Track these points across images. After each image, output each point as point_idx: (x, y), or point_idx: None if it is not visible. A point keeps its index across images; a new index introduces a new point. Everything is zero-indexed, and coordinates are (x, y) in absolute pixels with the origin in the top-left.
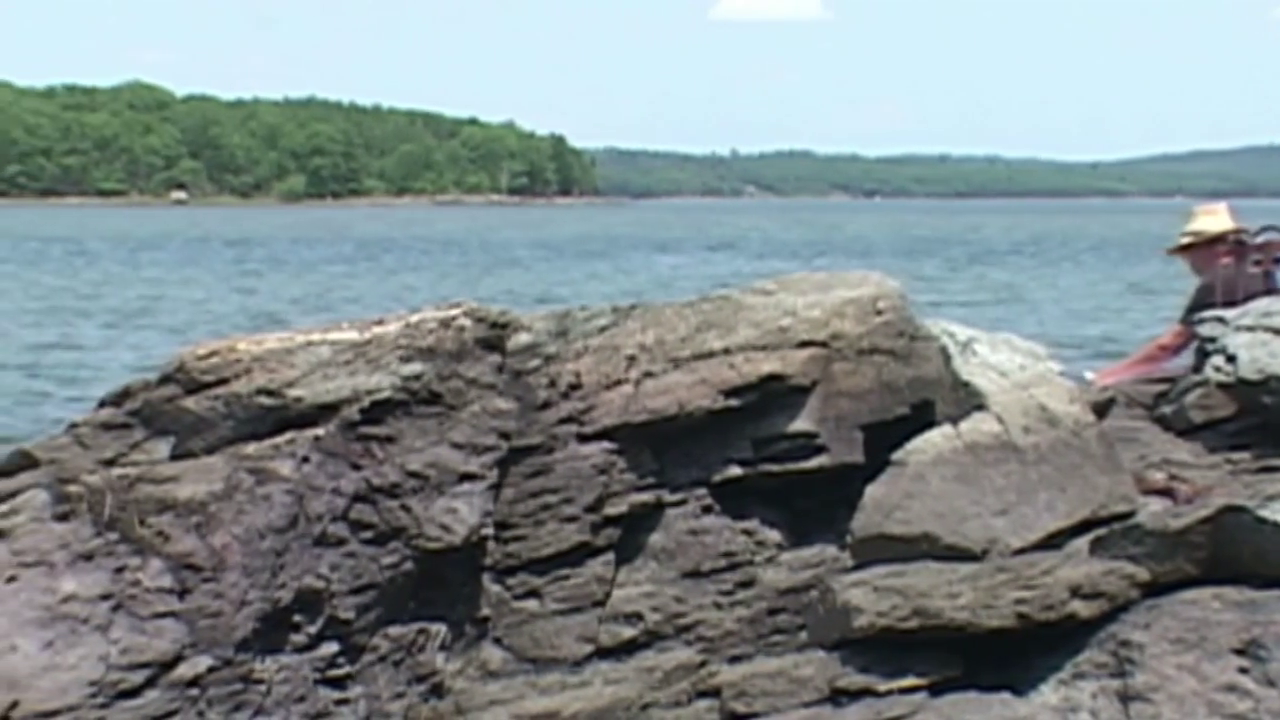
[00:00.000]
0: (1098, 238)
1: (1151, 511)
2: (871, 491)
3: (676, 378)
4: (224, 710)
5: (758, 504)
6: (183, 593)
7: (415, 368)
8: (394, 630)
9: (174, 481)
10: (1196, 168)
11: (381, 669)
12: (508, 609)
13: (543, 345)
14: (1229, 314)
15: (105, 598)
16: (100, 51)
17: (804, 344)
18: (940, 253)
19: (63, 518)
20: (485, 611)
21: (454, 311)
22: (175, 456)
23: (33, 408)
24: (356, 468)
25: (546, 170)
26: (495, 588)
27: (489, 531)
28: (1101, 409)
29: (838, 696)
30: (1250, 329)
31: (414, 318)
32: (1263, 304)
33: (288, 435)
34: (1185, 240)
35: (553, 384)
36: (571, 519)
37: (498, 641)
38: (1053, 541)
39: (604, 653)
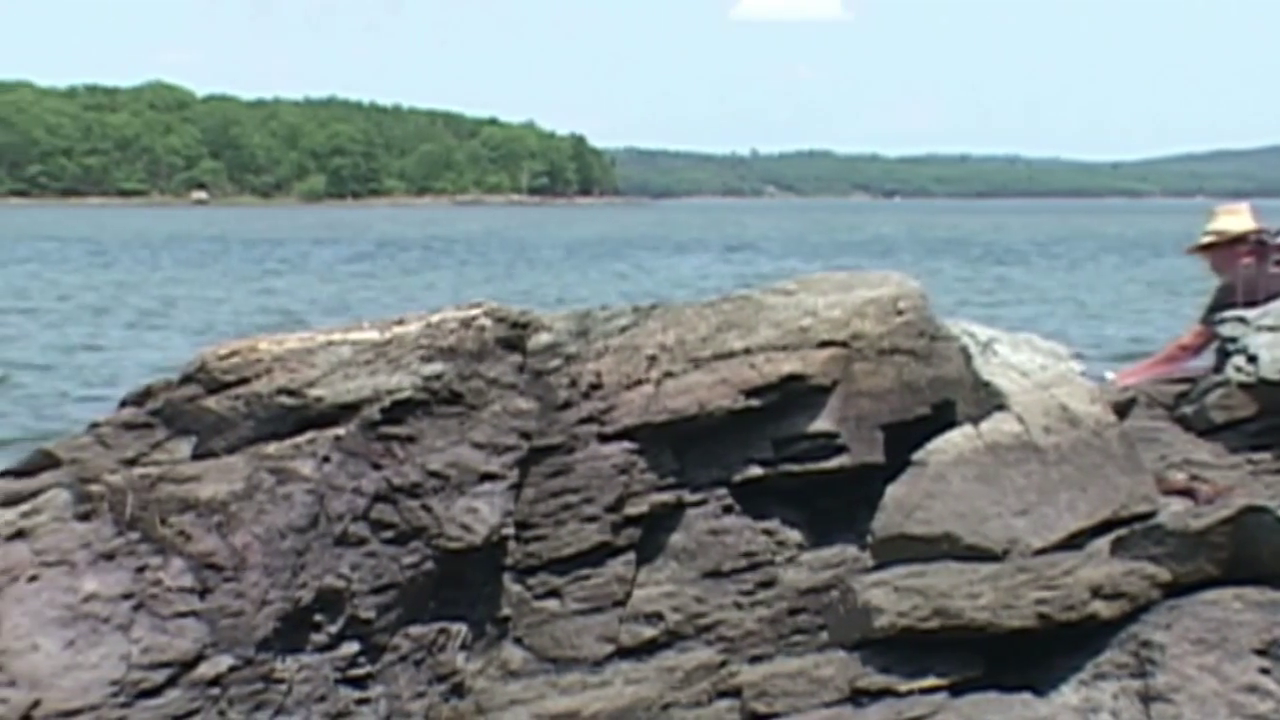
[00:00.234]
0: (1118, 238)
1: (1172, 512)
2: (892, 491)
3: (697, 378)
4: (245, 710)
5: (778, 504)
6: (204, 592)
7: (436, 367)
8: (415, 630)
9: (195, 481)
10: (1218, 167)
11: (402, 668)
12: (528, 609)
13: (563, 345)
14: (1250, 314)
15: (127, 597)
16: (121, 52)
17: (825, 344)
18: (961, 253)
19: (84, 517)
20: (506, 611)
21: (475, 311)
22: (196, 456)
23: (54, 407)
24: (377, 467)
25: (567, 170)
26: (516, 587)
27: (510, 531)
28: (1122, 409)
29: (858, 697)
30: (1271, 329)
31: (435, 317)
32: None
33: (309, 435)
34: (1206, 240)
35: (573, 384)
36: (592, 519)
37: (518, 641)
38: (1074, 542)
39: (625, 652)
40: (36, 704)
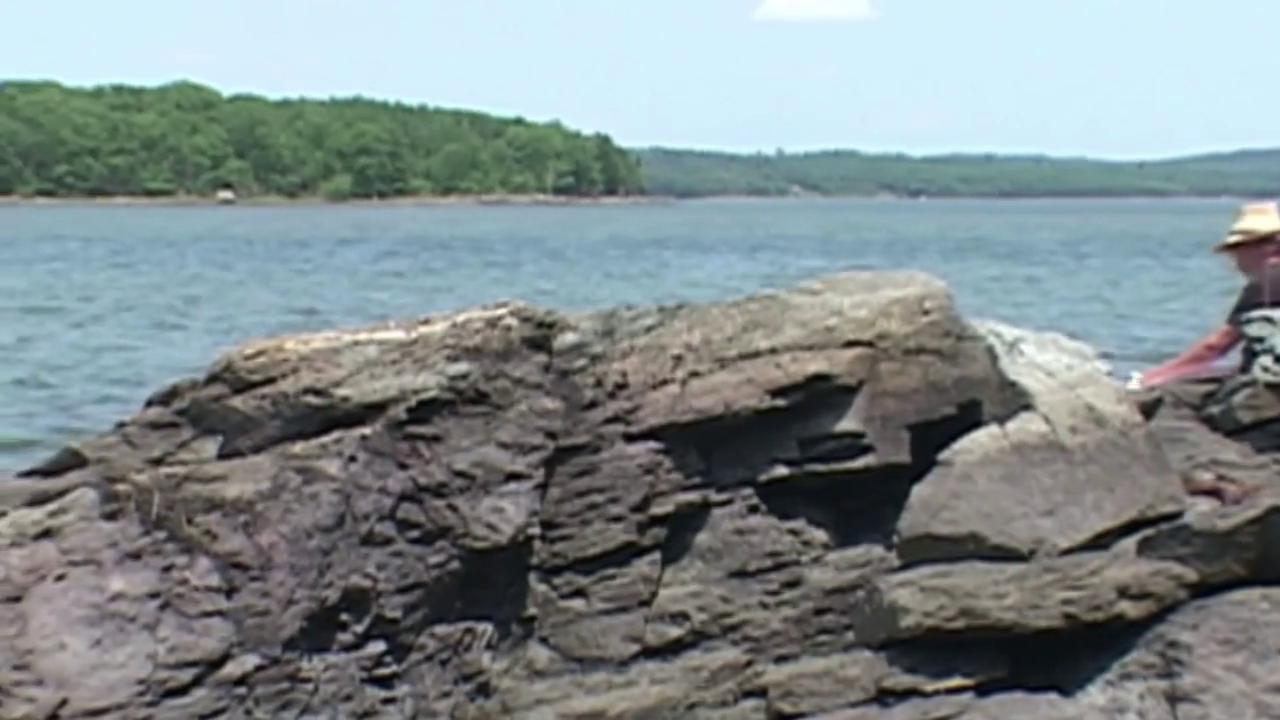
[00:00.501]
0: (1144, 237)
1: (1199, 512)
2: (918, 491)
3: (723, 377)
4: (271, 709)
5: (804, 504)
6: (230, 591)
7: (462, 367)
8: (441, 629)
9: (221, 480)
10: (1244, 167)
11: (428, 668)
12: (554, 608)
13: (589, 345)
14: (1277, 314)
15: (153, 596)
16: (148, 52)
17: (850, 344)
18: (986, 252)
19: (111, 516)
20: (531, 611)
21: (500, 311)
22: (223, 456)
23: (80, 407)
24: (403, 467)
25: (592, 170)
26: (541, 587)
27: (535, 531)
28: (1149, 409)
29: (884, 697)
30: None
31: (460, 317)
32: None
33: (335, 434)
34: (1233, 239)
35: (599, 383)
36: (618, 519)
37: (544, 641)
38: (1100, 542)
39: (650, 652)
40: (64, 703)
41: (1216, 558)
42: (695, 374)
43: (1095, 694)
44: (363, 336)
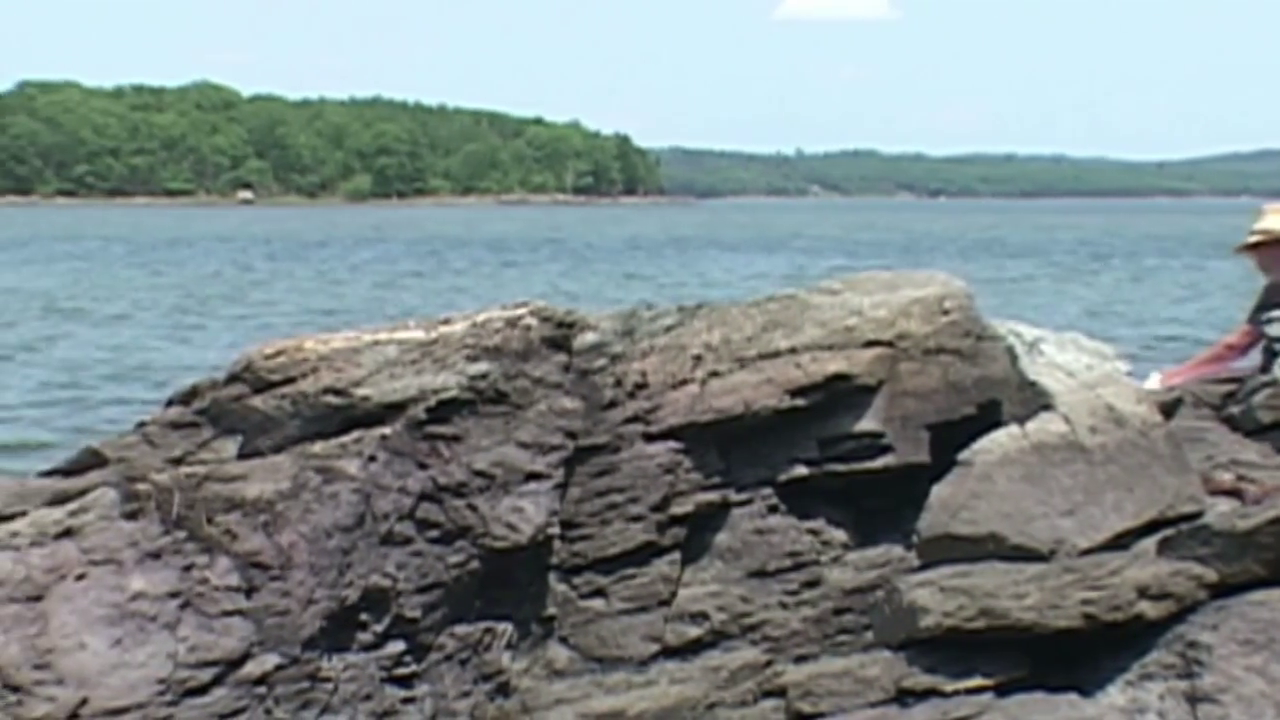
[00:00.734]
0: (1164, 237)
1: (1219, 512)
2: (938, 491)
3: (742, 377)
4: (291, 708)
5: (824, 504)
6: (250, 591)
7: (482, 367)
8: (460, 629)
9: (241, 480)
10: (1264, 166)
11: (448, 668)
12: (574, 608)
13: (609, 344)
14: None
15: (173, 596)
16: (168, 52)
17: (870, 343)
18: (1006, 252)
19: (131, 516)
20: (551, 611)
21: (520, 311)
22: (243, 455)
23: (100, 406)
24: (423, 467)
25: (611, 170)
26: (561, 587)
27: (555, 531)
28: (1169, 409)
29: (904, 697)
30: None
31: (480, 317)
32: None
33: (355, 434)
34: (1254, 239)
35: (619, 383)
36: (637, 518)
37: (564, 640)
38: (1120, 542)
39: (670, 652)
40: (84, 702)
41: (1237, 558)
42: (715, 374)
43: (1115, 694)
44: (383, 336)
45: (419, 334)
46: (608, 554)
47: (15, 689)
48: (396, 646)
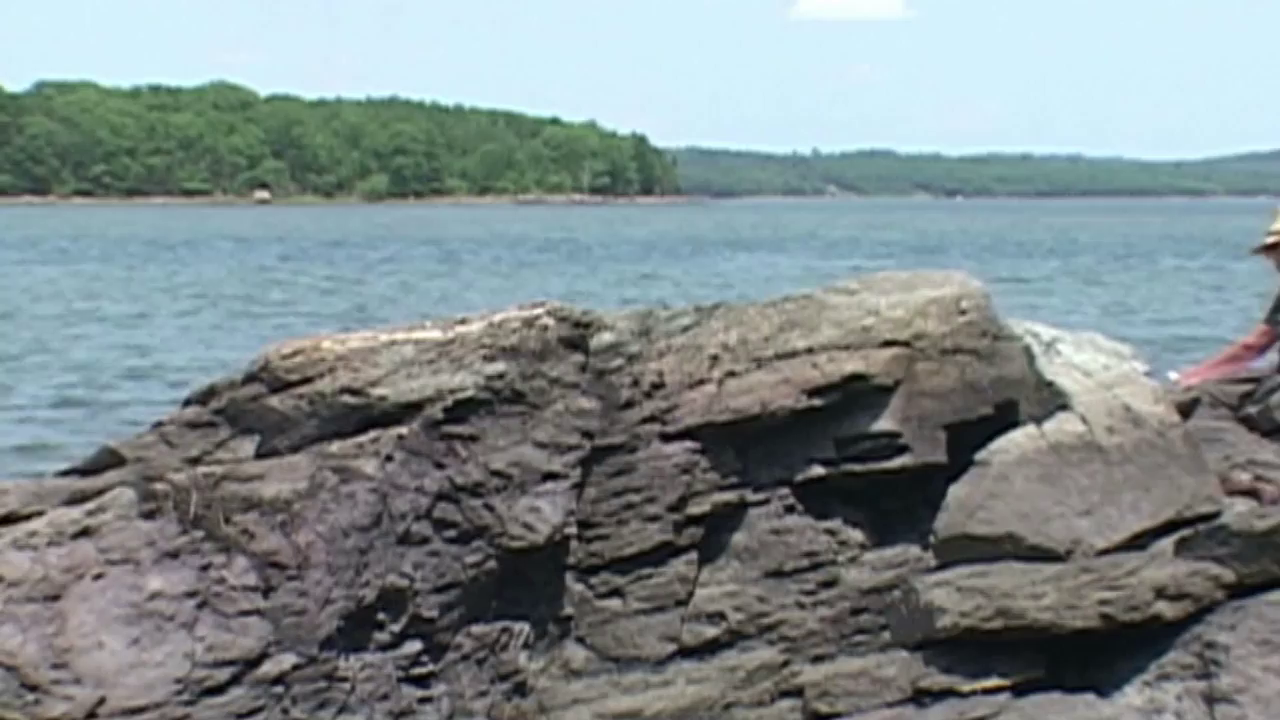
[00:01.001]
0: (1181, 237)
1: (1237, 512)
2: (955, 491)
3: (759, 377)
4: (308, 707)
5: (840, 504)
6: (267, 590)
7: (499, 367)
8: (477, 629)
9: (259, 480)
10: None
11: (465, 667)
12: (590, 608)
13: (626, 344)
14: None
15: (191, 595)
16: (185, 52)
17: (887, 343)
18: (1023, 252)
19: (149, 515)
20: (568, 610)
21: (537, 311)
22: (260, 455)
23: (118, 407)
24: (440, 466)
25: (628, 170)
26: (578, 587)
27: (572, 530)
28: (1186, 409)
29: (921, 697)
30: None
31: (497, 317)
32: None
33: (372, 434)
34: (1270, 239)
35: (636, 383)
36: (654, 518)
37: (580, 640)
38: (1137, 542)
39: (687, 652)
40: (102, 701)
41: (1254, 558)
42: (732, 374)
43: (1132, 694)
44: (400, 336)
45: (436, 334)
46: (624, 554)
47: (33, 688)
48: (413, 646)
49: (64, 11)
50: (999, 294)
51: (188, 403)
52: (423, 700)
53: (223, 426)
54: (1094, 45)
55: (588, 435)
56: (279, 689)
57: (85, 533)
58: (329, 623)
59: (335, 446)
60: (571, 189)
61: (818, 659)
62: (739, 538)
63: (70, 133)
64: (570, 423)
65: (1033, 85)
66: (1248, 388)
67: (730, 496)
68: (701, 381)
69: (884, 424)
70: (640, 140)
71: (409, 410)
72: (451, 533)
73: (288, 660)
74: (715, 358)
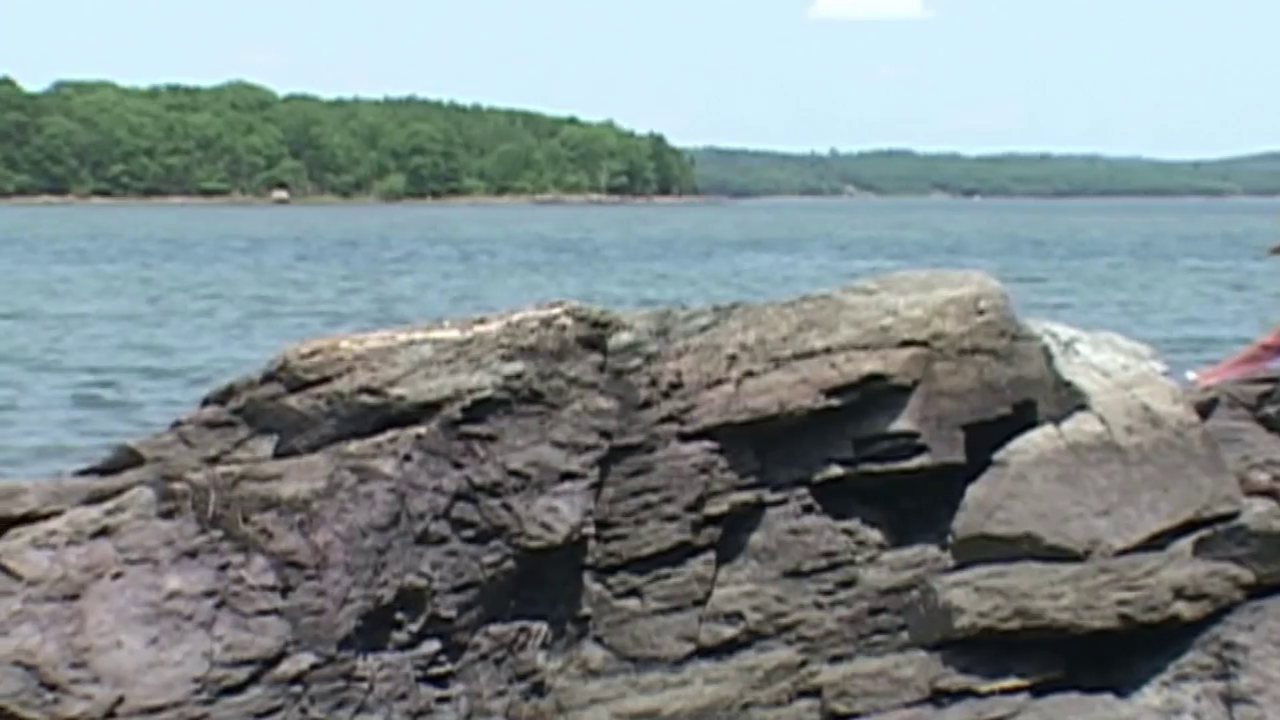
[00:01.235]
0: (1199, 237)
1: (1256, 513)
2: (973, 491)
3: (777, 377)
4: (326, 707)
5: (859, 504)
6: (285, 590)
7: (517, 366)
8: (495, 628)
9: (277, 479)
10: None
11: (483, 667)
12: (608, 608)
13: (644, 344)
14: None
15: (209, 595)
16: (203, 52)
17: (905, 343)
18: (1041, 252)
19: (167, 515)
20: (586, 610)
21: (555, 310)
22: (278, 454)
23: (137, 406)
24: (458, 466)
25: (646, 169)
26: (596, 586)
27: (590, 530)
28: (1205, 409)
29: (939, 697)
30: None
31: (515, 317)
32: None
33: (390, 434)
34: None
35: (654, 383)
36: (672, 518)
37: (598, 640)
38: (1156, 542)
39: (704, 652)
40: (120, 700)
41: (1273, 558)
42: (750, 373)
43: (1151, 695)
44: (418, 336)
45: (454, 334)
46: (642, 554)
47: (52, 687)
48: (431, 646)
49: (82, 11)
50: (1017, 293)
51: (206, 402)
52: (441, 700)
53: (241, 426)
54: (1112, 45)
55: (606, 435)
56: (297, 688)
57: (104, 532)
58: (347, 622)
59: (353, 446)
60: (589, 189)
61: (836, 659)
62: (757, 538)
63: (88, 132)
64: (588, 422)
65: (1050, 85)
66: (1266, 388)
67: (748, 496)
68: (719, 381)
69: (902, 424)
70: (658, 140)
71: (427, 410)
72: (469, 532)
73: (306, 660)
74: (733, 358)
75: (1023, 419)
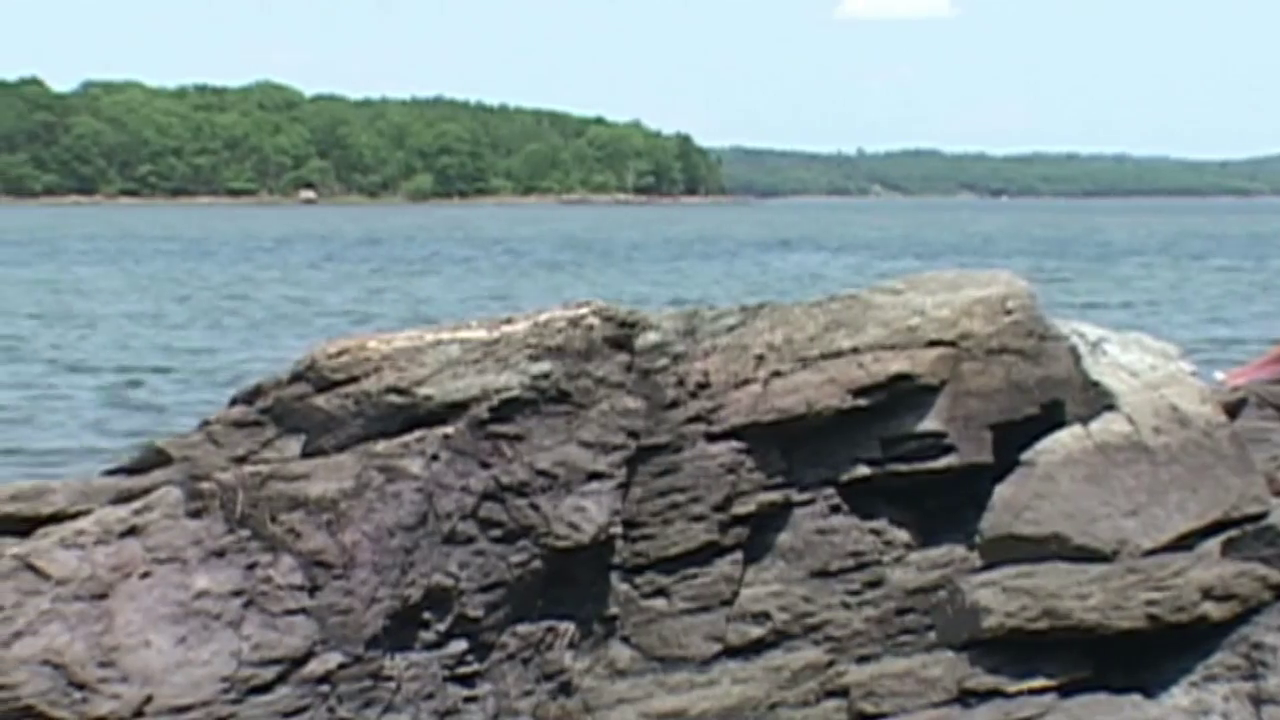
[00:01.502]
0: (1227, 237)
1: None
2: (1000, 492)
3: (805, 377)
4: (354, 706)
5: (886, 504)
6: (313, 590)
7: (544, 366)
8: (522, 628)
9: (305, 479)
10: None
11: (510, 667)
12: (636, 607)
13: (671, 344)
14: None
15: (237, 594)
16: (230, 52)
17: (933, 343)
18: (1069, 252)
19: (195, 514)
20: (613, 610)
21: (582, 310)
22: (306, 454)
23: (164, 405)
24: (485, 466)
25: (672, 169)
26: (623, 586)
27: (617, 530)
28: (1233, 409)
29: (966, 697)
30: None
31: (543, 317)
32: None
33: (417, 433)
34: None
35: (681, 383)
36: (699, 518)
37: (626, 640)
38: (1184, 542)
39: (732, 652)
40: (149, 699)
41: None
42: (777, 373)
43: (1179, 695)
44: (445, 335)
45: (481, 334)
46: (670, 553)
47: (81, 686)
48: (459, 645)
49: (110, 12)
50: (1044, 294)
51: (234, 402)
52: (468, 699)
53: (269, 426)
54: (1140, 44)
55: (633, 435)
56: (325, 688)
57: (132, 531)
58: (375, 622)
59: (381, 446)
60: (616, 189)
61: (863, 659)
62: (784, 537)
63: (116, 132)
64: (615, 422)
65: (1078, 84)
66: None
67: (775, 496)
68: (747, 381)
69: (929, 424)
70: (685, 140)
71: (454, 410)
72: (497, 532)
73: (334, 659)
74: (761, 357)
75: (1050, 419)
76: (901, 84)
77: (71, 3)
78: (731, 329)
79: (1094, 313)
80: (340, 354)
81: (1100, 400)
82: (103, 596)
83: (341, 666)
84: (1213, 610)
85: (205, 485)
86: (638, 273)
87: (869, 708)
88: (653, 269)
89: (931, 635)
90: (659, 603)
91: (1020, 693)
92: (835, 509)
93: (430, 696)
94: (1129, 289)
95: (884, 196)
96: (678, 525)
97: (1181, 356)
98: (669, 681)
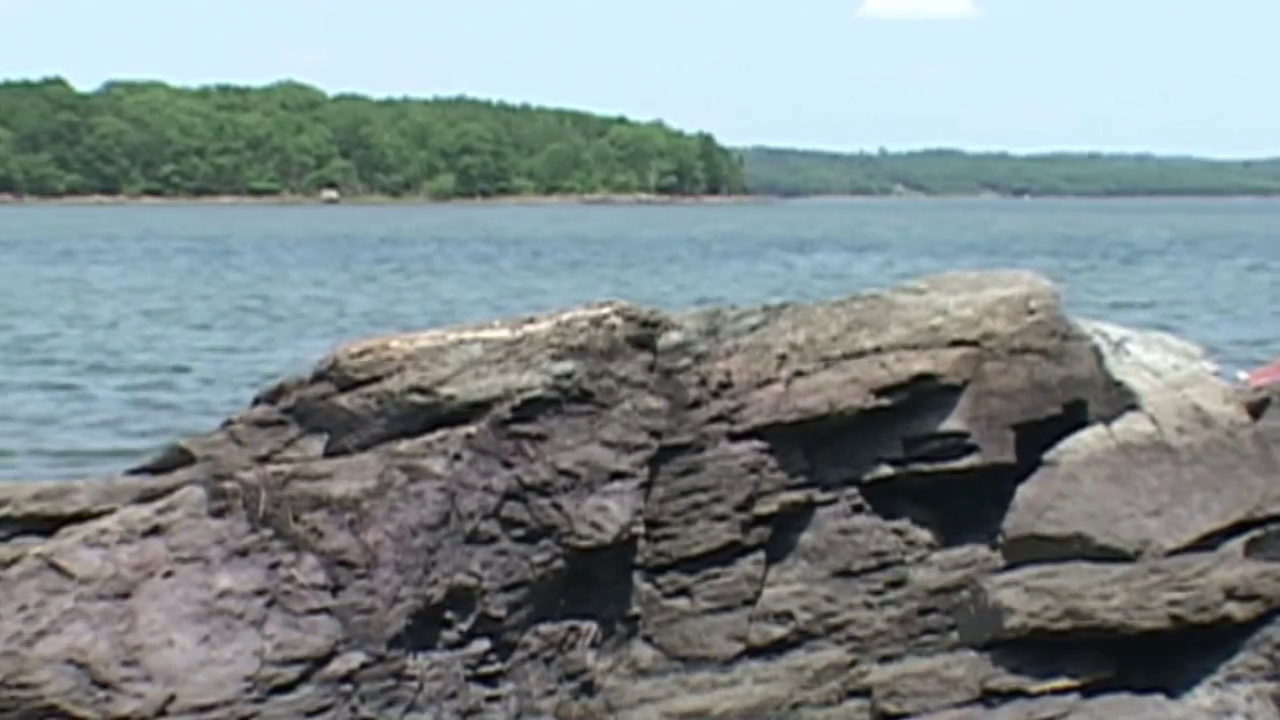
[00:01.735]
0: (1251, 237)
1: None
2: (1023, 491)
3: (827, 377)
4: (377, 706)
5: (908, 503)
6: (336, 589)
7: (566, 366)
8: (545, 628)
9: (327, 478)
10: None
11: (532, 666)
12: (658, 607)
13: (693, 344)
14: None
15: (260, 593)
16: (253, 52)
17: (955, 343)
18: (1091, 252)
19: (218, 514)
20: (636, 609)
21: (605, 310)
22: (329, 453)
23: (187, 405)
24: (508, 465)
25: (695, 169)
26: (645, 586)
27: (639, 530)
28: (1256, 409)
29: (989, 697)
30: None
31: (565, 316)
32: None
33: (440, 433)
34: None
35: (703, 382)
36: (722, 517)
37: (648, 639)
38: (1207, 543)
39: (754, 651)
40: (172, 699)
41: None
42: (800, 373)
43: (1202, 696)
44: (468, 335)
45: (504, 333)
46: (692, 553)
47: (104, 685)
48: (481, 645)
49: (133, 12)
50: (1067, 293)
51: (257, 401)
52: (490, 699)
53: (292, 425)
54: (1162, 43)
55: (655, 434)
56: (348, 687)
57: (155, 531)
58: (397, 621)
59: (403, 445)
60: (638, 188)
61: (886, 659)
62: (807, 537)
63: (140, 132)
64: (638, 422)
65: (1100, 84)
66: None
67: (798, 496)
68: (769, 381)
69: (952, 424)
70: (707, 139)
71: (477, 409)
72: (519, 532)
73: (356, 659)
74: (783, 357)
75: (1073, 419)
76: (924, 84)
77: (95, 3)
78: (754, 329)
79: (1117, 313)
80: (363, 353)
81: (1123, 400)
82: (126, 596)
83: (364, 666)
84: (1236, 610)
85: (228, 485)
86: (660, 272)
87: (891, 708)
88: (675, 269)
89: (954, 635)
90: (681, 602)
91: (1043, 693)
92: (858, 509)
93: (453, 696)
94: (1152, 289)
95: (906, 196)
96: (700, 525)
97: (1204, 356)
98: (691, 681)
